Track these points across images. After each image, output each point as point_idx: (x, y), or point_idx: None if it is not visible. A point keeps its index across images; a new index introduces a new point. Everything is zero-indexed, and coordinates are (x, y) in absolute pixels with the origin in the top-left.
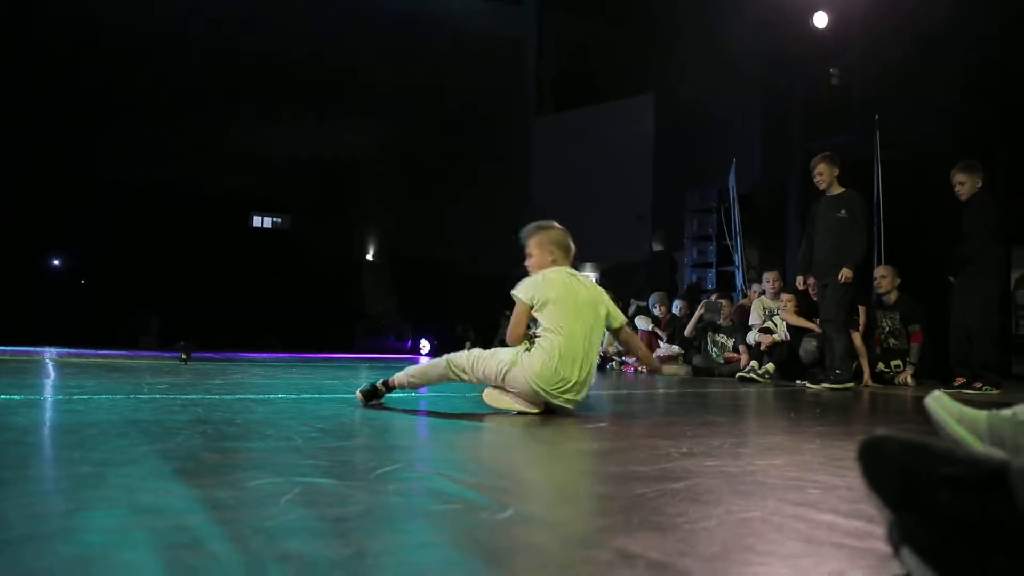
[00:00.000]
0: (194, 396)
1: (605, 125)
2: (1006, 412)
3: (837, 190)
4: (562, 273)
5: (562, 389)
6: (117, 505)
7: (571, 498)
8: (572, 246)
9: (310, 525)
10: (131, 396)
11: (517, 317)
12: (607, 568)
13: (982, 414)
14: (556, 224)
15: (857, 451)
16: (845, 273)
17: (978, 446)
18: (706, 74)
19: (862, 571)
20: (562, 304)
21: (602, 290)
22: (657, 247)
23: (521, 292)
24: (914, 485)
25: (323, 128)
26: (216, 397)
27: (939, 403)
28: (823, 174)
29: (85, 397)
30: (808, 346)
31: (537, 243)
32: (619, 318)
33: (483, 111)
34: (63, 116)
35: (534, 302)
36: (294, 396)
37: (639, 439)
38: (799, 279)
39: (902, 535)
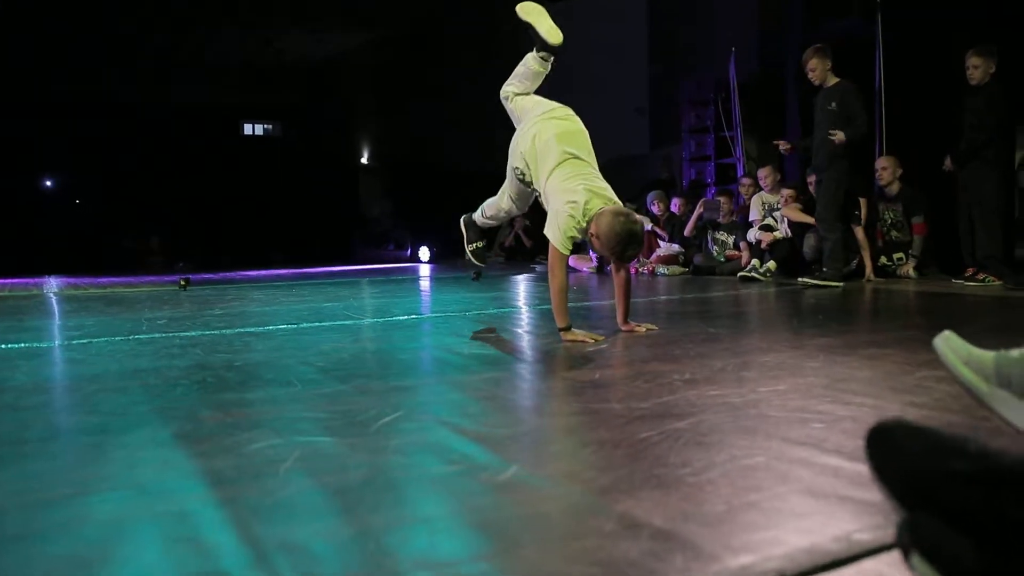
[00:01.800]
0: (193, 333)
1: (598, 15)
2: (1014, 353)
3: (831, 81)
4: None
5: None
6: (117, 485)
7: (573, 449)
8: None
9: (310, 501)
10: (130, 337)
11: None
12: (611, 540)
13: (989, 355)
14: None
15: (865, 440)
16: (837, 135)
17: (984, 388)
18: None
19: (869, 532)
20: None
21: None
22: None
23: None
24: (923, 480)
25: (308, 30)
26: (216, 332)
27: (947, 344)
28: (815, 69)
29: (84, 341)
30: (811, 242)
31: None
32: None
33: (475, 5)
34: (38, 34)
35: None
36: (294, 326)
37: (641, 364)
38: (781, 143)
39: (912, 538)
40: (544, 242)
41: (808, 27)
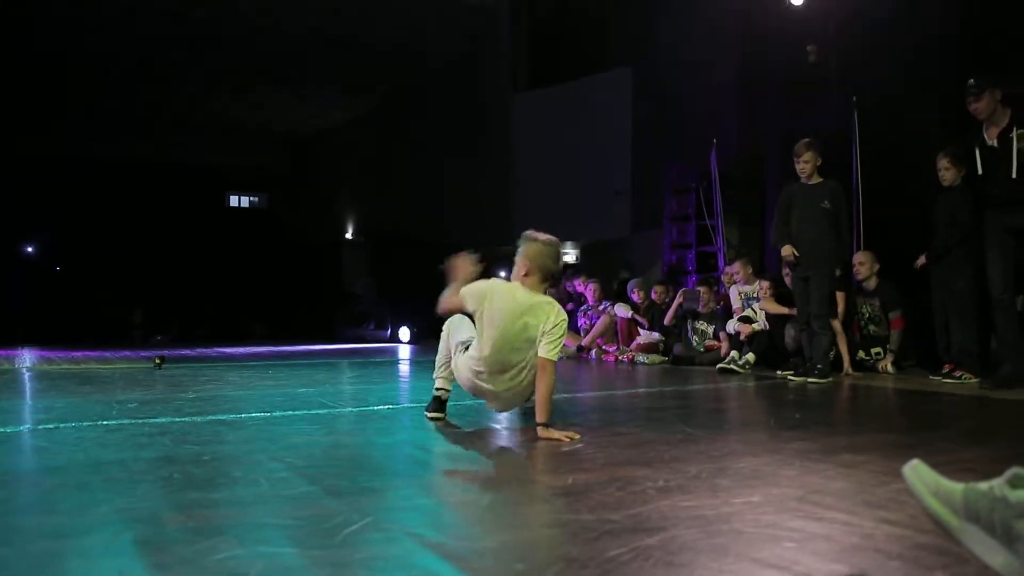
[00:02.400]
0: (163, 419)
1: (583, 99)
2: (983, 485)
3: (817, 179)
4: (511, 290)
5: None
6: None
7: (540, 568)
8: (551, 263)
9: None
10: (99, 423)
11: (450, 301)
12: None
13: (958, 488)
14: (541, 236)
15: None
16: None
17: (953, 522)
18: (684, 49)
19: None
20: (490, 318)
21: (550, 315)
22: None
23: (466, 291)
24: None
25: (295, 100)
26: (187, 419)
27: (915, 474)
28: (809, 162)
29: (51, 426)
30: (792, 333)
31: (520, 253)
32: (546, 351)
33: (462, 84)
34: (16, 90)
35: (471, 308)
36: (266, 415)
37: (616, 468)
38: (785, 250)
39: None
40: None
41: (785, 119)
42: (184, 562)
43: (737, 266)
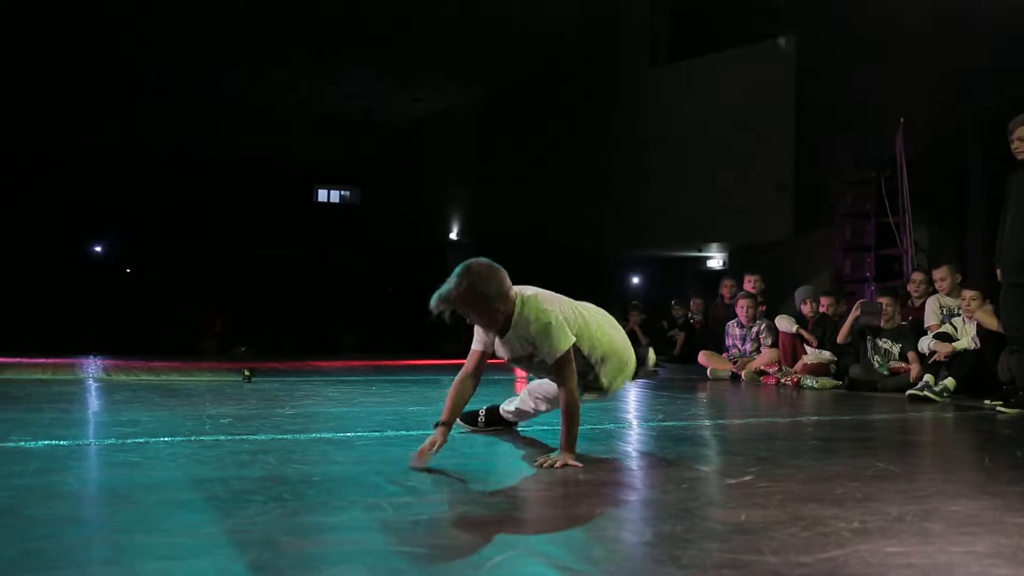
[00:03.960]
0: (263, 436)
1: (734, 76)
2: None
3: None
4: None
5: None
6: None
7: None
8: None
9: None
10: (192, 438)
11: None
12: None
13: None
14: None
15: None
16: None
17: None
18: (858, 7)
19: None
20: None
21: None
22: None
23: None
24: None
25: (395, 87)
26: (289, 437)
27: None
28: None
29: (141, 441)
30: (1006, 358)
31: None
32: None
33: (585, 62)
34: (86, 75)
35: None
36: (377, 434)
37: (795, 504)
38: (999, 272)
39: None
40: (660, 340)
41: (994, 92)
42: None
43: (943, 272)
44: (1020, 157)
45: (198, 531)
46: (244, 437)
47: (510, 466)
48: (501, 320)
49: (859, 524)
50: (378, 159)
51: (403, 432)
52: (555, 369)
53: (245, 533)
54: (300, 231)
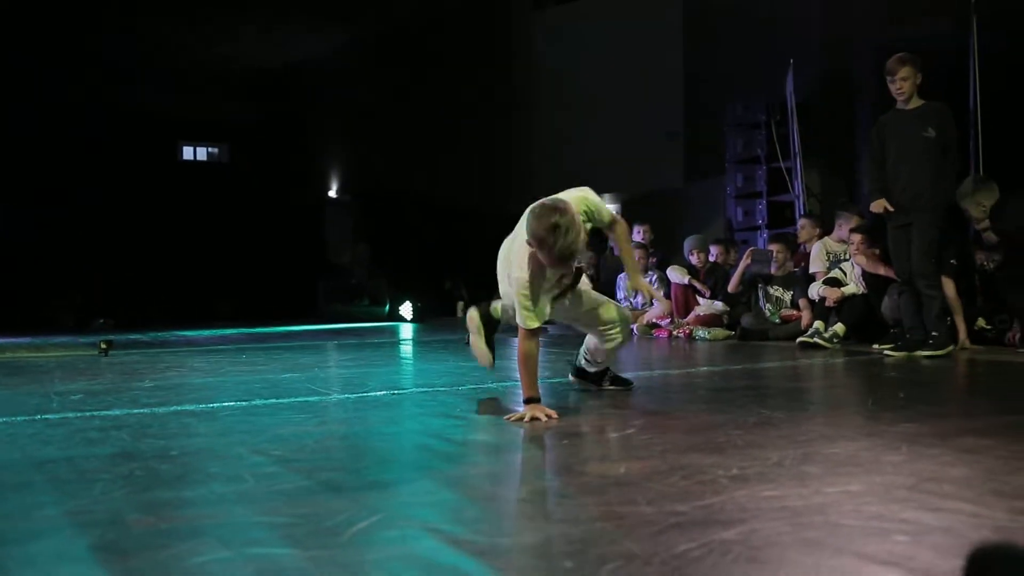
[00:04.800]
0: (117, 412)
1: (621, 19)
2: None
3: (917, 103)
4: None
5: None
6: None
7: (593, 567)
8: (547, 234)
9: None
10: (37, 417)
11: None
12: None
13: None
14: (548, 204)
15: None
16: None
17: None
18: None
19: None
20: None
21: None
22: None
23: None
24: None
25: (258, 34)
26: (146, 411)
27: None
28: (907, 79)
29: None
30: (891, 301)
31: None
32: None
33: (466, 7)
34: None
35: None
36: (244, 403)
37: (678, 455)
38: (876, 205)
39: None
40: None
41: (885, 31)
42: (158, 568)
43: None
44: (901, 99)
45: (34, 514)
46: (95, 413)
47: (383, 432)
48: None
49: (738, 471)
50: (248, 114)
51: (272, 400)
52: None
53: (88, 513)
54: (164, 192)
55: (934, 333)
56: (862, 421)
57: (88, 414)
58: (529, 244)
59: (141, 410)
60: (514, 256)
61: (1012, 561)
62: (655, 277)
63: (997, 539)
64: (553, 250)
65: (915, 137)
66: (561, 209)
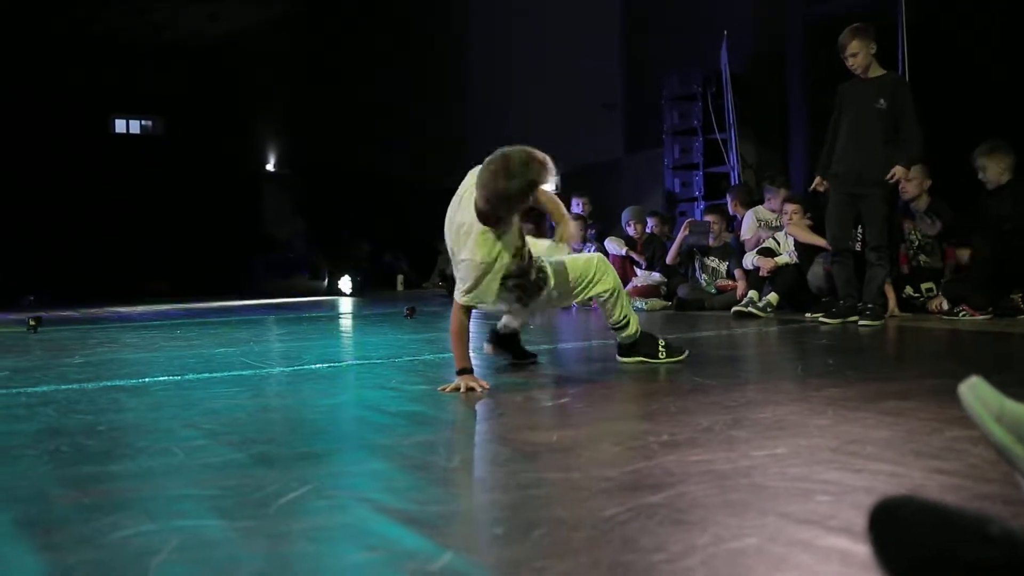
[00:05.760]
0: (45, 388)
1: None
2: None
3: (877, 72)
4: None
5: None
6: None
7: (522, 531)
8: (489, 181)
9: None
10: None
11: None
12: None
13: None
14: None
15: (866, 519)
16: (898, 171)
17: (1019, 451)
18: None
19: None
20: None
21: None
22: None
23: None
24: (932, 570)
25: (195, 4)
26: (75, 387)
27: (975, 394)
28: (857, 53)
29: None
30: (819, 270)
31: None
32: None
33: None
34: None
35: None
36: (176, 378)
37: (610, 422)
38: (816, 183)
39: None
40: None
41: (813, 3)
42: (81, 541)
43: (771, 195)
44: (856, 70)
45: None
46: (21, 390)
47: (317, 404)
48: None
49: (668, 437)
50: (182, 85)
51: (205, 375)
52: None
53: (10, 490)
54: (96, 167)
55: (870, 305)
56: (791, 387)
57: (15, 391)
58: (478, 203)
59: (70, 386)
60: (462, 237)
61: (918, 509)
62: (593, 248)
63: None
64: (488, 193)
65: (868, 108)
66: (499, 156)
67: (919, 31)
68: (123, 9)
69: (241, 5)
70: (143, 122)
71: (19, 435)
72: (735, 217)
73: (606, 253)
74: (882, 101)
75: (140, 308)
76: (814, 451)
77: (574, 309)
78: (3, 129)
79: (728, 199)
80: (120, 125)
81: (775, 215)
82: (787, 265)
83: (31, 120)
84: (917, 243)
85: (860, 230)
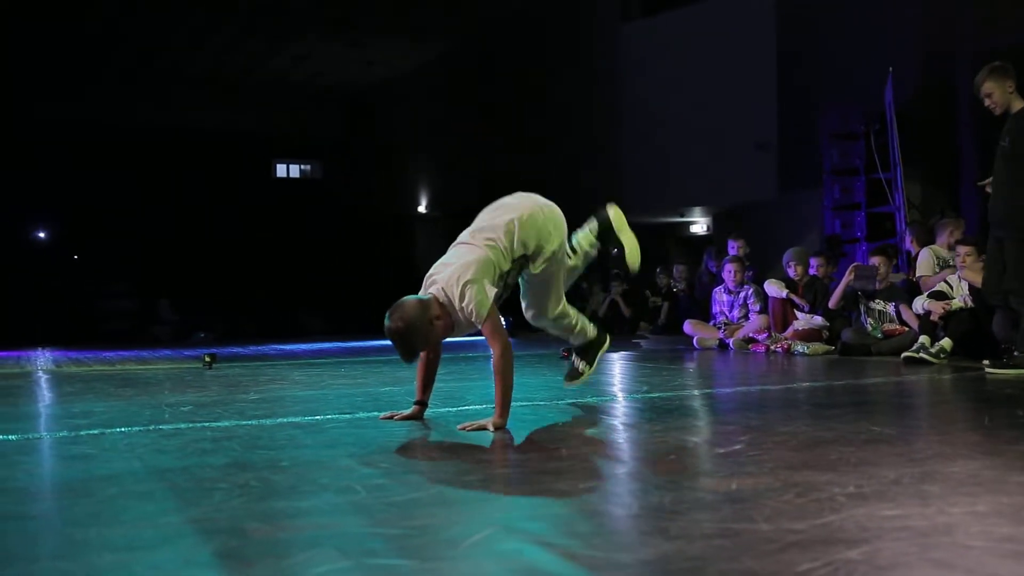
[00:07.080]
0: (226, 423)
1: (711, 30)
2: None
3: (1017, 107)
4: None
5: None
6: None
7: None
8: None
9: None
10: (151, 427)
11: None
12: None
13: None
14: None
15: None
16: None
17: None
18: None
19: None
20: None
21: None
22: None
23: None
24: None
25: (344, 48)
26: (253, 423)
27: None
28: (991, 94)
29: (95, 432)
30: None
31: None
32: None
33: (555, 19)
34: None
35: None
36: (347, 416)
37: (788, 472)
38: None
39: None
40: (643, 310)
41: (984, 37)
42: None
43: (951, 226)
44: (996, 112)
45: (158, 521)
46: (206, 424)
47: (483, 446)
48: (442, 327)
49: (854, 489)
50: (339, 130)
51: (375, 413)
52: (484, 333)
53: (210, 521)
54: (258, 208)
55: (1016, 352)
56: (980, 439)
57: (200, 425)
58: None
59: (249, 422)
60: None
61: None
62: (751, 291)
63: None
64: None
65: (998, 148)
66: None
67: None
68: (285, 56)
69: (393, 52)
70: (302, 167)
71: (210, 468)
72: (897, 258)
73: (765, 296)
74: (1006, 139)
75: (303, 346)
76: (1019, 510)
77: (731, 354)
78: (171, 179)
79: (907, 235)
80: (281, 169)
81: (952, 253)
82: (961, 309)
83: (198, 169)
84: None
85: None
